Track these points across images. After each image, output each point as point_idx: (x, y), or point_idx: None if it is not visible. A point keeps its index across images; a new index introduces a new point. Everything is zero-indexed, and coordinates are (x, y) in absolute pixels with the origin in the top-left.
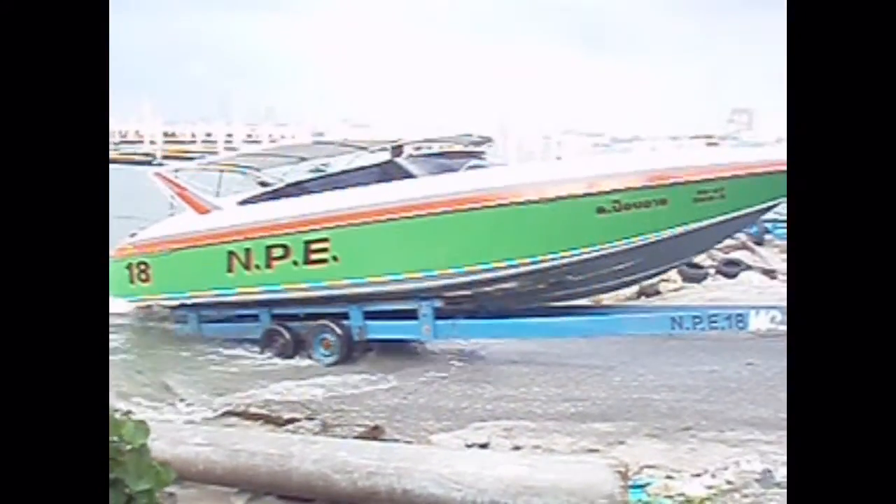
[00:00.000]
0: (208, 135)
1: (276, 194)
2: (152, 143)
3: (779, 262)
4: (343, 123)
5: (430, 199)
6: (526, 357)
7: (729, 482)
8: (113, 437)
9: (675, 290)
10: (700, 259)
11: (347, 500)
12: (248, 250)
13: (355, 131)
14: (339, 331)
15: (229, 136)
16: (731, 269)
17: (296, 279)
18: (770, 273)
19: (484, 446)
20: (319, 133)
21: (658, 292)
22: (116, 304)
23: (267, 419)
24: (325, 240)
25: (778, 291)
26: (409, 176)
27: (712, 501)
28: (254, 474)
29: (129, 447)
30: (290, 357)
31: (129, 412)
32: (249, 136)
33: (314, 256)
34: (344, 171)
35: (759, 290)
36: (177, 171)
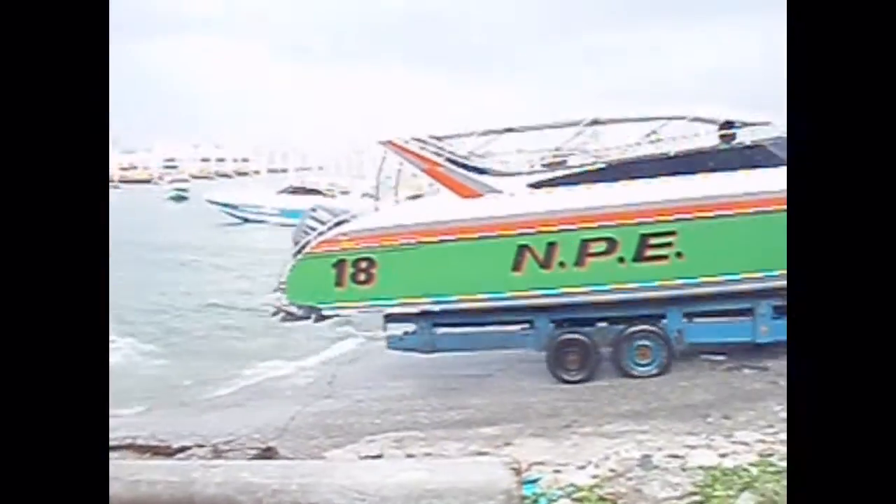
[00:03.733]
0: None
1: (584, 177)
2: None
3: None
4: (194, 148)
5: None
6: (405, 371)
7: (612, 469)
8: None
9: None
10: None
11: None
12: (551, 244)
13: (211, 153)
14: (661, 335)
15: None
16: None
17: (619, 279)
18: None
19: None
20: (171, 159)
21: None
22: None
23: (156, 450)
24: (670, 233)
25: None
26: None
27: (600, 488)
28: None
29: None
30: (590, 373)
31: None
32: None
33: (651, 252)
34: (688, 154)
35: None
36: (422, 142)
